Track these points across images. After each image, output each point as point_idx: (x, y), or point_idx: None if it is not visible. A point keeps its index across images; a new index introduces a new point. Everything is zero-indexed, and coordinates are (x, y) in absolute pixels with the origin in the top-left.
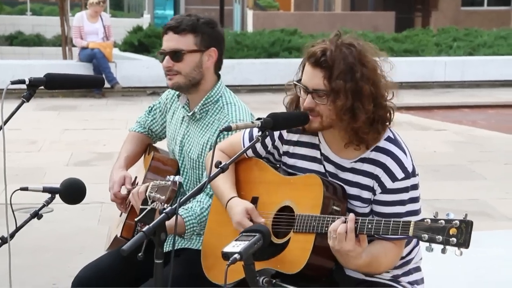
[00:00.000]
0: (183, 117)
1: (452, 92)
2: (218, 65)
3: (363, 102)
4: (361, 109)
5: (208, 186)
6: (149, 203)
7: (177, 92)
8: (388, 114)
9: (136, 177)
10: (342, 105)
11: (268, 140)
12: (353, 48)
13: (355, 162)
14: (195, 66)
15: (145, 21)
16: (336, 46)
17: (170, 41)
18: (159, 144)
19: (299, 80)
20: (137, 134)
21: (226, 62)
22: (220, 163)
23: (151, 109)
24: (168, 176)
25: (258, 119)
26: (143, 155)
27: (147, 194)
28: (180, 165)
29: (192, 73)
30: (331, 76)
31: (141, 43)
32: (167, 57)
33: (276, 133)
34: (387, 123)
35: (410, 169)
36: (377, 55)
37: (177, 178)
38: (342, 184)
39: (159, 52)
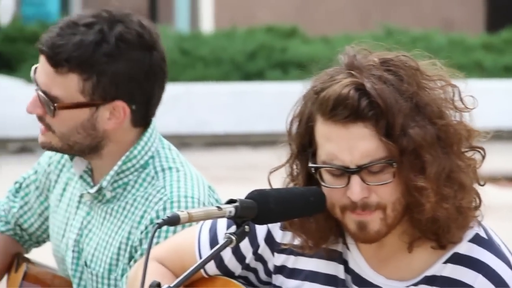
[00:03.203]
0: (81, 196)
1: None
2: (138, 118)
3: (459, 155)
4: (462, 166)
5: None
6: None
7: None
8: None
9: None
10: (439, 172)
11: (246, 245)
12: (399, 68)
13: (416, 285)
14: (78, 127)
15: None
16: (370, 73)
17: (42, 74)
18: (37, 253)
19: (314, 157)
20: None
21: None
22: (159, 286)
23: (20, 187)
24: None
25: (230, 201)
26: (7, 274)
27: None
28: (76, 286)
29: (73, 137)
30: (392, 127)
31: None
32: (36, 95)
33: (261, 232)
34: (478, 203)
35: None
36: (444, 76)
37: None
38: None
39: (34, 77)
